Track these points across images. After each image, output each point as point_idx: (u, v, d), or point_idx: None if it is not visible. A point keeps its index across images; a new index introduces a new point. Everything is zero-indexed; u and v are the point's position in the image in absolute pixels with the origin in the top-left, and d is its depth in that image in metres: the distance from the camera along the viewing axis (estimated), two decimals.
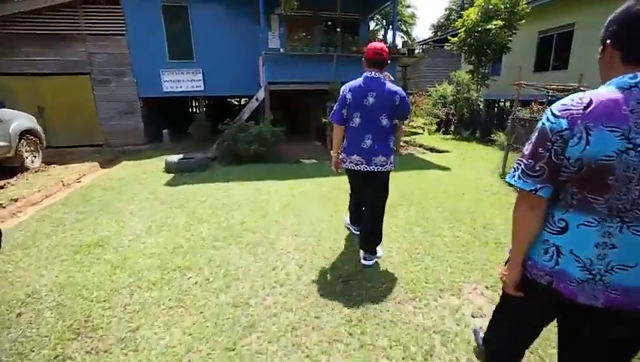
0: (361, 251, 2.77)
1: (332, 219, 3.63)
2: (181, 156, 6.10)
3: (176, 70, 8.79)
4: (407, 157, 7.30)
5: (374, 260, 2.73)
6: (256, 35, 7.82)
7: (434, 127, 10.94)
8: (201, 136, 8.92)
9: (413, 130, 10.71)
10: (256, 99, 7.72)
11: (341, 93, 2.60)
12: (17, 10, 7.49)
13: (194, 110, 15.16)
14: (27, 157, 6.03)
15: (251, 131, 6.40)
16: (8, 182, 5.19)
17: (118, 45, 8.35)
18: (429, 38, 18.84)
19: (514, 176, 1.07)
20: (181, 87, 8.96)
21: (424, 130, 10.47)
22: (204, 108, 10.96)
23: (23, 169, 5.86)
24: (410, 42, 13.99)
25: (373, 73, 2.48)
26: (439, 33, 23.70)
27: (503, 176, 5.34)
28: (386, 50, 2.53)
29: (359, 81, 2.52)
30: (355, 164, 2.57)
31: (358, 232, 3.01)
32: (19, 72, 7.94)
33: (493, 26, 9.05)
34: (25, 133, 5.94)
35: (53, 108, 8.44)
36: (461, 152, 7.73)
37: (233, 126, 6.76)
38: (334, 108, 2.67)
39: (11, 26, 7.63)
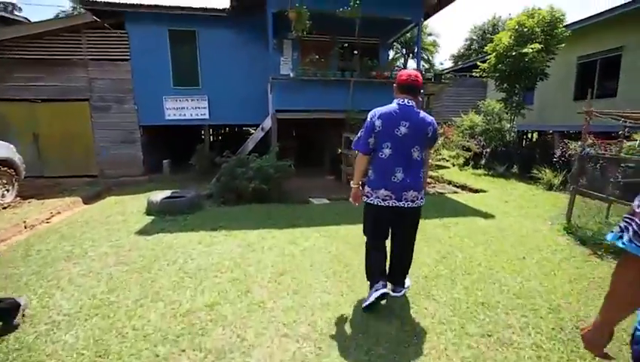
0: (389, 283, 2.49)
1: (343, 305, 2.50)
2: (168, 194, 5.20)
3: (180, 97, 8.17)
4: (437, 197, 6.13)
5: (403, 291, 2.58)
6: (267, 61, 7.14)
7: (461, 161, 9.80)
8: (204, 169, 8.09)
9: (438, 163, 9.57)
10: (262, 129, 6.89)
11: (369, 119, 2.36)
12: (17, 35, 7.14)
13: (210, 138, 14.65)
14: None
15: (252, 166, 5.47)
16: None
17: (121, 70, 7.85)
18: (452, 67, 18.12)
19: (621, 238, 0.89)
20: (185, 114, 8.31)
21: (453, 165, 9.29)
22: (210, 138, 10.28)
23: None
24: (432, 70, 13.18)
25: (406, 100, 2.32)
26: (459, 63, 23.06)
27: (569, 229, 4.09)
28: (420, 76, 2.39)
29: (392, 107, 2.32)
30: (383, 200, 2.34)
31: (375, 298, 2.33)
32: (15, 97, 7.50)
33: (530, 50, 8.08)
34: None
35: (48, 135, 7.90)
36: (500, 192, 6.50)
37: (232, 159, 5.87)
38: (359, 135, 2.45)
39: (10, 50, 7.27)
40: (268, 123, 6.86)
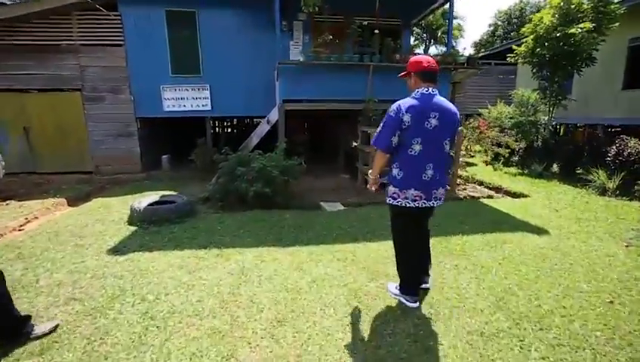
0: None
1: None
2: (155, 198, 4.48)
3: (179, 86, 7.43)
4: (470, 204, 5.21)
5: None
6: (276, 46, 6.27)
7: (489, 157, 8.74)
8: (206, 165, 7.35)
9: (466, 159, 8.54)
10: (268, 122, 6.08)
11: (392, 114, 2.11)
12: (1, 17, 6.49)
13: (217, 130, 13.89)
14: None
15: (253, 166, 4.68)
16: None
17: (115, 57, 7.14)
18: (474, 55, 16.78)
19: None
20: (184, 105, 7.56)
21: (486, 163, 8.22)
22: (218, 130, 9.53)
23: None
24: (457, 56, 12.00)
25: (431, 89, 2.13)
26: (482, 50, 21.55)
27: None
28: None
29: (414, 100, 2.10)
30: (413, 200, 2.17)
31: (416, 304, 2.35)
32: (4, 87, 6.90)
33: (579, 30, 6.93)
34: None
35: (40, 129, 7.31)
36: (545, 198, 5.51)
37: (232, 157, 5.09)
38: (380, 130, 2.19)
39: None
40: (274, 115, 6.04)
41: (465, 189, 6.00)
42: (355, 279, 2.76)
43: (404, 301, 2.38)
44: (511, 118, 8.95)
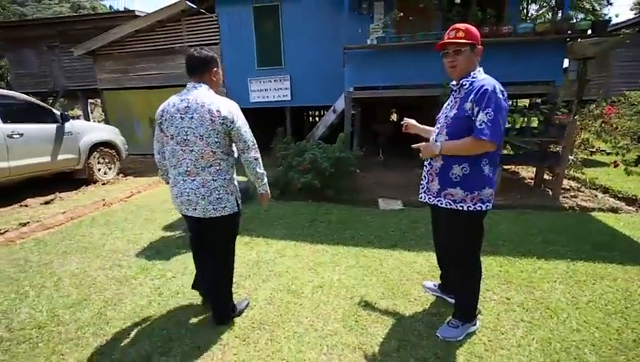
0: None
1: None
2: None
3: (263, 78, 7.90)
4: (574, 217, 3.93)
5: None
6: (354, 32, 5.93)
7: (634, 155, 6.39)
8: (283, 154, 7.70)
9: (588, 156, 6.45)
10: (334, 111, 5.87)
11: (500, 95, 1.66)
12: (135, 29, 8.05)
13: (309, 119, 14.48)
14: (99, 170, 6.03)
15: (305, 156, 4.60)
16: (60, 197, 5.08)
17: None
18: (634, 19, 12.57)
19: None
20: (268, 96, 8.03)
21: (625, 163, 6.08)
22: (309, 118, 9.84)
23: (92, 181, 5.87)
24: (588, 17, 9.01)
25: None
26: None
27: None
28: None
29: (494, 79, 1.71)
30: (490, 202, 1.80)
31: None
32: (135, 86, 8.63)
33: None
34: (99, 146, 5.94)
35: None
36: None
37: (291, 146, 5.13)
38: (493, 118, 1.62)
39: (131, 45, 8.29)
40: (340, 104, 5.80)
41: (575, 197, 4.59)
42: (366, 293, 2.39)
43: (474, 328, 1.97)
44: None
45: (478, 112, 1.64)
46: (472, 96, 1.68)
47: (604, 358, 1.74)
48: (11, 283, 2.59)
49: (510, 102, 7.66)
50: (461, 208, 1.76)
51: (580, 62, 8.00)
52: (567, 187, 5.01)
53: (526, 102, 8.41)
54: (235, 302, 2.15)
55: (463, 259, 1.91)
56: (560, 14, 4.91)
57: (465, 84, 1.76)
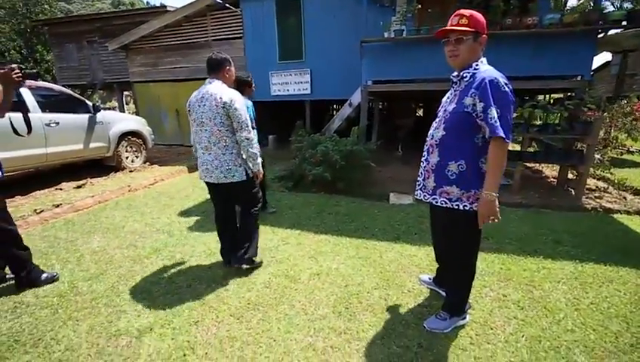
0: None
1: None
2: None
3: (284, 72, 8.00)
4: (594, 218, 3.73)
5: None
6: (376, 25, 5.85)
7: None
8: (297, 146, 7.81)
9: (618, 156, 5.97)
10: (350, 105, 5.88)
11: (508, 90, 1.54)
12: (164, 24, 8.41)
13: (332, 112, 14.47)
14: (127, 158, 6.42)
15: (317, 149, 4.66)
16: (91, 182, 5.48)
17: (236, 49, 8.27)
18: None
19: None
20: (288, 90, 8.13)
21: None
22: (326, 111, 9.89)
23: (120, 168, 6.26)
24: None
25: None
26: None
27: None
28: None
29: (498, 71, 1.59)
30: None
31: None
32: (163, 79, 9.04)
33: None
34: (127, 135, 6.32)
35: (185, 110, 9.27)
36: None
37: (305, 139, 5.21)
38: (501, 114, 1.53)
39: (158, 39, 8.67)
40: (357, 97, 5.79)
41: (600, 198, 4.33)
42: (361, 282, 2.44)
43: (463, 322, 1.98)
44: None
45: (484, 109, 1.53)
46: (472, 90, 1.57)
47: (595, 360, 1.70)
48: (41, 256, 2.88)
49: (542, 97, 7.28)
50: (457, 207, 1.69)
51: (621, 57, 7.45)
52: (593, 187, 4.74)
53: (556, 96, 7.96)
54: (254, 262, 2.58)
55: (460, 261, 1.86)
56: (592, 4, 4.58)
57: (465, 76, 1.65)
